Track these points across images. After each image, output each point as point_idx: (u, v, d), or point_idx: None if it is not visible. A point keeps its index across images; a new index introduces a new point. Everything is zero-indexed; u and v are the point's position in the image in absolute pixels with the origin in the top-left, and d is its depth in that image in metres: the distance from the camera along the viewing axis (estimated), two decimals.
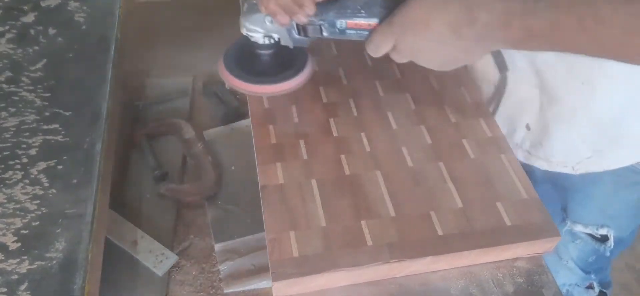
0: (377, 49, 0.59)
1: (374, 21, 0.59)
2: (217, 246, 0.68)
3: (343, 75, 0.76)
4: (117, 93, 0.74)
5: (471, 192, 0.61)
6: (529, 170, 0.63)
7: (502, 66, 0.73)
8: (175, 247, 0.68)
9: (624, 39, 0.46)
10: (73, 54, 0.77)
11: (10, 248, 0.55)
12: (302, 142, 0.66)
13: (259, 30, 0.64)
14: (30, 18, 0.82)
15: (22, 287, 0.52)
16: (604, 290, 0.96)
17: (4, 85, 0.71)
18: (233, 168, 0.78)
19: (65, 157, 0.63)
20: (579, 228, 0.84)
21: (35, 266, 0.53)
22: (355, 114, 0.70)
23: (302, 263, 0.54)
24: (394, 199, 0.60)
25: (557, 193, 0.83)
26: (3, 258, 0.54)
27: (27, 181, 0.60)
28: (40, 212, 0.58)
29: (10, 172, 0.61)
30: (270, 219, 0.58)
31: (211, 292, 0.63)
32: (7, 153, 0.63)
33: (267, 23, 0.63)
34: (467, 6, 0.51)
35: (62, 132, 0.66)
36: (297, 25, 0.62)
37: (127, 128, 0.81)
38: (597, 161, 0.74)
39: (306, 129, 0.68)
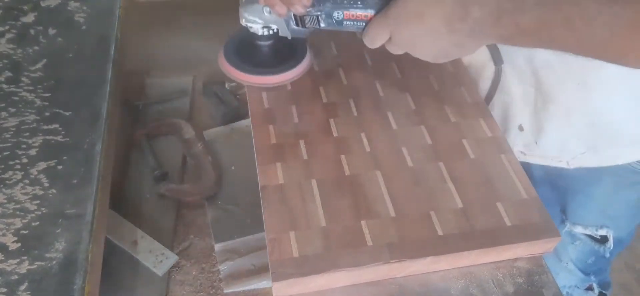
0: (373, 41, 0.60)
1: (370, 12, 0.60)
2: (217, 246, 0.68)
3: (343, 75, 0.76)
4: (117, 93, 0.74)
5: (471, 192, 0.61)
6: (527, 171, 0.64)
7: (498, 62, 0.73)
8: (175, 247, 0.68)
9: (609, 39, 0.47)
10: (73, 54, 0.77)
11: (10, 249, 0.55)
12: (302, 142, 0.66)
13: (257, 20, 0.65)
14: (30, 18, 0.82)
15: (22, 287, 0.52)
16: (604, 291, 0.96)
17: (4, 85, 0.71)
18: (233, 168, 0.78)
19: (65, 157, 0.63)
20: (578, 230, 0.84)
21: (35, 266, 0.53)
22: (355, 114, 0.70)
23: (302, 264, 0.54)
24: (394, 199, 0.60)
25: (556, 195, 0.83)
26: (3, 258, 0.54)
27: (27, 181, 0.60)
28: (40, 212, 0.58)
29: (10, 172, 0.61)
30: (270, 219, 0.58)
31: (211, 292, 0.63)
32: (7, 153, 0.63)
33: (266, 14, 0.64)
34: (462, 1, 0.52)
35: (62, 132, 0.66)
36: (295, 16, 0.63)
37: (127, 128, 0.81)
38: (591, 157, 0.74)
39: (306, 129, 0.68)
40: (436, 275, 0.57)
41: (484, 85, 0.77)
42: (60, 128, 0.66)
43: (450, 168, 0.63)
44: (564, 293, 0.96)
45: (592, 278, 0.94)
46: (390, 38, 0.58)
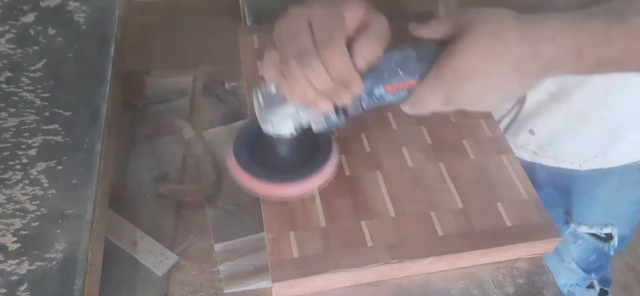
0: (424, 107, 0.53)
1: (414, 79, 0.52)
2: (217, 247, 0.68)
3: None
4: (117, 93, 0.74)
5: (471, 192, 0.61)
6: (531, 173, 0.63)
7: None
8: (175, 247, 0.68)
9: None
10: (73, 54, 0.77)
11: (9, 249, 0.55)
12: None
13: (288, 123, 0.55)
14: (30, 18, 0.82)
15: (22, 288, 0.52)
16: (605, 288, 0.96)
17: (4, 85, 0.71)
18: None
19: (65, 158, 0.63)
20: (583, 230, 0.84)
21: (35, 267, 0.53)
22: None
23: (302, 264, 0.54)
24: (394, 199, 0.60)
25: (560, 196, 0.83)
26: (3, 258, 0.54)
27: (26, 181, 0.60)
28: (39, 213, 0.58)
29: (10, 173, 0.61)
30: (270, 219, 0.58)
31: (211, 292, 0.63)
32: (7, 153, 0.63)
33: (298, 112, 0.54)
34: (530, 40, 0.47)
35: (62, 132, 0.66)
36: (336, 106, 0.54)
37: (127, 128, 0.81)
38: (602, 159, 0.74)
39: None
40: (436, 276, 0.57)
41: None
42: (60, 129, 0.66)
43: (450, 168, 0.63)
44: (565, 291, 0.96)
45: (593, 275, 0.94)
46: (446, 98, 0.51)
